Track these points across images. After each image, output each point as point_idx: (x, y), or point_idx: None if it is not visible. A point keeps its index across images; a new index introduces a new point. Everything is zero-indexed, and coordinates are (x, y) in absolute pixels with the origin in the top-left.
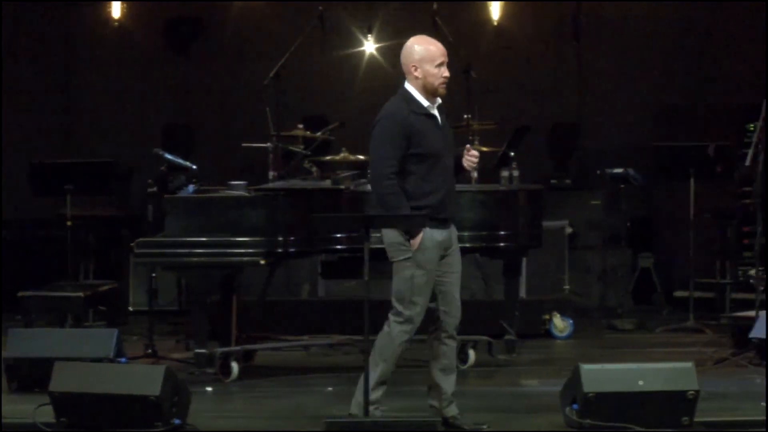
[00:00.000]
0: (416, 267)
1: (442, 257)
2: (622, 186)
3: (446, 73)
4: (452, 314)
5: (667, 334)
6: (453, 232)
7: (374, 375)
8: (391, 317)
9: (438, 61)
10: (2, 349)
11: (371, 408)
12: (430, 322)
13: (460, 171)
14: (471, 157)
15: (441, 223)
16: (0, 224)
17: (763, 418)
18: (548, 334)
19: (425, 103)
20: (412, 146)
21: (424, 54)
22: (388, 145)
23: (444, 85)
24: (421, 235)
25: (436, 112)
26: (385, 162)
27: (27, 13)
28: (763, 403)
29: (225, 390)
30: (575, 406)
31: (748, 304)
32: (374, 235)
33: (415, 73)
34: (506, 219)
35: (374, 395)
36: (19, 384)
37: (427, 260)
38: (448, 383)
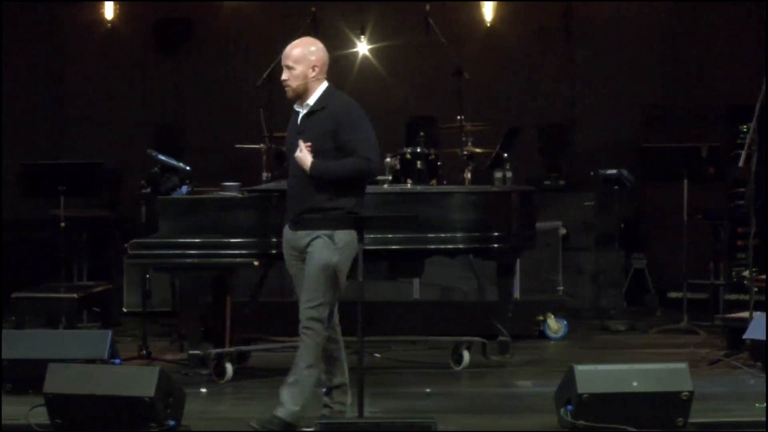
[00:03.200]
0: None
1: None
2: (615, 187)
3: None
4: (299, 308)
5: (661, 335)
6: (306, 235)
7: None
8: None
9: None
10: None
11: None
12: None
13: None
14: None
15: (289, 222)
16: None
17: (757, 419)
18: (542, 335)
19: (297, 103)
20: None
21: None
22: None
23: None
24: None
25: (301, 111)
26: None
27: (18, 13)
28: (757, 404)
29: (219, 391)
30: (569, 407)
31: (742, 305)
32: (368, 236)
33: None
34: (499, 220)
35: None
36: (13, 385)
37: (284, 254)
38: None
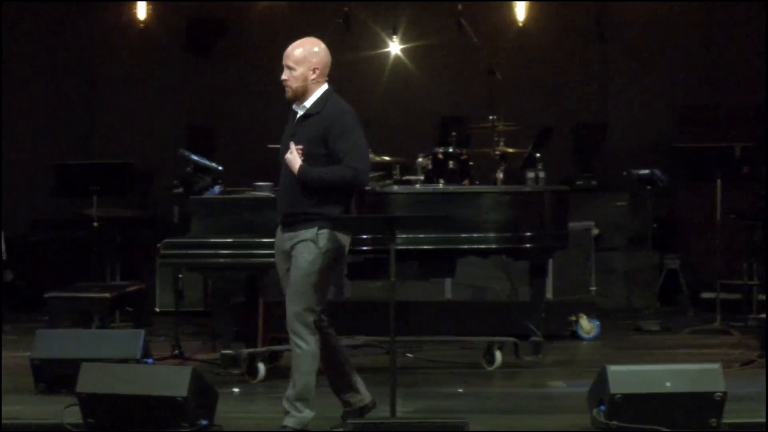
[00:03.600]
0: None
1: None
2: (648, 187)
3: (282, 76)
4: (286, 315)
5: (694, 336)
6: (290, 238)
7: None
8: None
9: None
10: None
11: None
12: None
13: None
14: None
15: (280, 224)
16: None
17: None
18: (574, 336)
19: (295, 104)
20: None
21: None
22: None
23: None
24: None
25: (299, 112)
26: None
27: (50, 13)
28: None
29: (251, 391)
30: (602, 407)
31: None
32: (400, 236)
33: None
34: (532, 220)
35: None
36: (46, 385)
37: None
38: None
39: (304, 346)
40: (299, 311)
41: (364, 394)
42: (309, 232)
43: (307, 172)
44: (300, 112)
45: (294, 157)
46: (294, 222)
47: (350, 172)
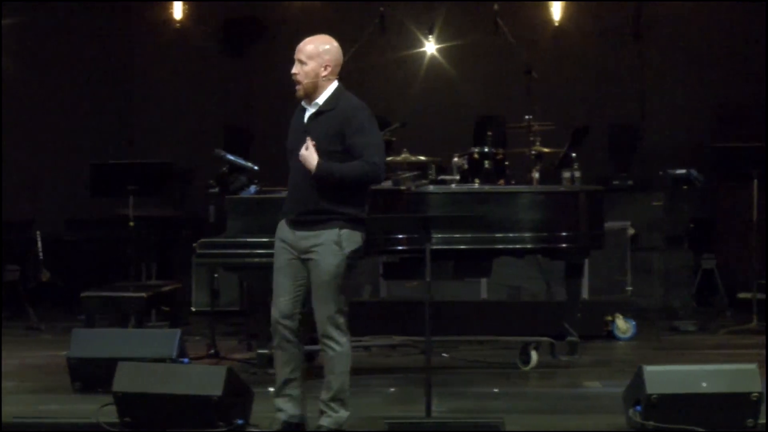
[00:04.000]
0: None
1: (301, 261)
2: (684, 187)
3: (293, 70)
4: (316, 320)
5: (730, 336)
6: (306, 237)
7: None
8: None
9: None
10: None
11: None
12: None
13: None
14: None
15: (288, 221)
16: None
17: None
18: (610, 336)
19: (304, 101)
20: None
21: None
22: None
23: (296, 86)
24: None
25: (309, 109)
26: None
27: (88, 14)
28: None
29: None
30: (638, 407)
31: None
32: (435, 236)
33: None
34: (567, 220)
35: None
36: (82, 384)
37: (275, 247)
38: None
39: (337, 348)
40: (331, 314)
41: (302, 409)
42: (332, 233)
43: (325, 167)
44: (312, 110)
45: (310, 154)
46: (312, 221)
47: (369, 168)
